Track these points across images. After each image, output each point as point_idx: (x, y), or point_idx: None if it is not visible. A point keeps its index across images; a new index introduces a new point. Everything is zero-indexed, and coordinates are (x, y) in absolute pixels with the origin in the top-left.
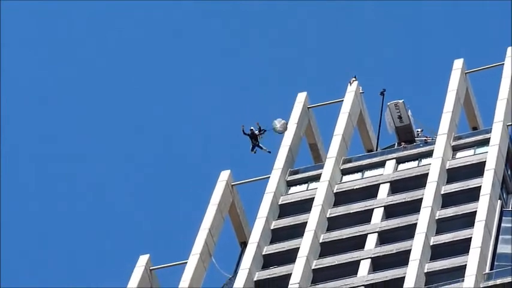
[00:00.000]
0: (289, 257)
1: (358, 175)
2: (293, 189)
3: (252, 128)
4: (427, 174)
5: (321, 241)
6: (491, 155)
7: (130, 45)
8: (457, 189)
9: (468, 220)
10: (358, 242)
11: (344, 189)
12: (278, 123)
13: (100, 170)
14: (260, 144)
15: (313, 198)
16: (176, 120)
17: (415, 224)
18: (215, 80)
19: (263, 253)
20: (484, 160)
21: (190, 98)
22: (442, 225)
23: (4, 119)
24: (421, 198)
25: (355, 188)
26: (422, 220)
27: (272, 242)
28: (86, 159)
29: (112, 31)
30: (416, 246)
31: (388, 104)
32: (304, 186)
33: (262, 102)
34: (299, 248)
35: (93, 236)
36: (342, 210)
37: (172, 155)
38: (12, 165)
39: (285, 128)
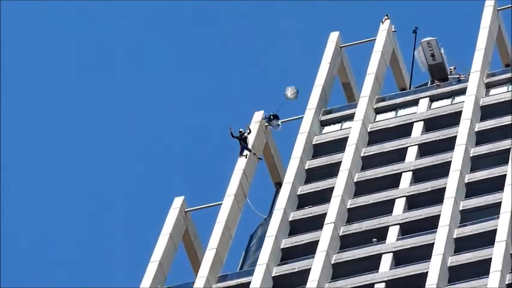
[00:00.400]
0: (324, 196)
1: (391, 114)
2: (327, 128)
3: (240, 130)
4: (461, 112)
5: (355, 180)
6: None
7: (131, 46)
8: (491, 127)
9: (503, 157)
10: (393, 181)
11: (378, 128)
12: (289, 92)
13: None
14: (249, 147)
15: (347, 137)
16: None
17: (449, 162)
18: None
19: (298, 193)
20: None
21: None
22: (476, 163)
23: (4, 118)
24: (455, 136)
25: (389, 126)
26: (457, 158)
27: (307, 182)
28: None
29: (113, 31)
30: (451, 183)
31: (421, 42)
32: (337, 126)
33: (295, 42)
34: (334, 187)
35: (128, 179)
36: (375, 149)
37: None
38: (12, 165)
39: (296, 96)
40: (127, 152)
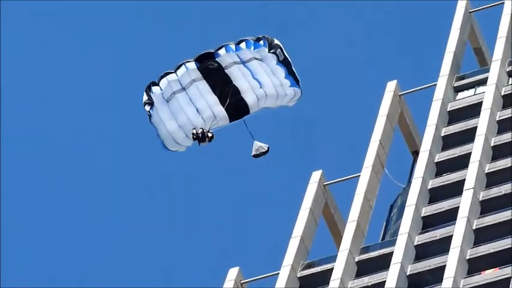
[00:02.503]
0: (462, 162)
1: None
2: (460, 94)
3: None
4: None
5: (492, 145)
6: None
7: (133, 46)
8: None
9: None
10: None
11: None
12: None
13: None
14: None
15: (481, 102)
16: None
17: None
18: None
19: (435, 160)
20: None
21: None
22: None
23: (4, 118)
24: None
25: None
26: None
27: (443, 149)
28: None
29: (113, 31)
30: None
31: None
32: (471, 91)
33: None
34: (471, 153)
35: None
36: (511, 112)
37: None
38: (12, 165)
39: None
40: None
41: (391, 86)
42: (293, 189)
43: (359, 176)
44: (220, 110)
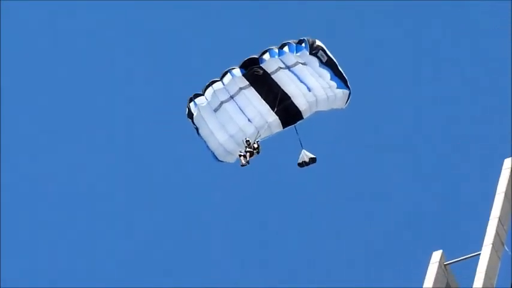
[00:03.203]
0: None
1: None
2: None
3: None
4: None
5: None
6: None
7: (132, 46)
8: None
9: None
10: None
11: None
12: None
13: None
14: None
15: None
16: None
17: None
18: None
19: None
20: None
21: None
22: None
23: (4, 119)
24: None
25: None
26: None
27: None
28: None
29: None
30: None
31: None
32: None
33: None
34: None
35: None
36: None
37: None
38: (13, 164)
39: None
40: None
41: (508, 163)
42: (412, 270)
43: (479, 254)
44: (272, 117)
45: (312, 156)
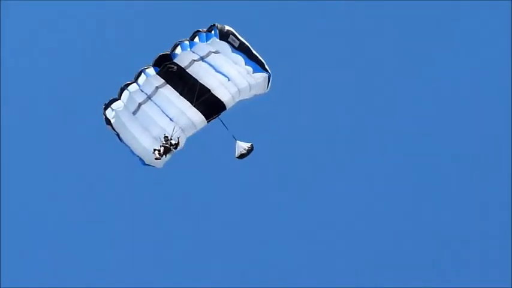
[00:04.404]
0: None
1: None
2: None
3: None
4: None
5: None
6: None
7: (133, 46)
8: None
9: None
10: None
11: None
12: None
13: None
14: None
15: None
16: None
17: None
18: None
19: None
20: None
21: None
22: None
23: (4, 120)
24: None
25: None
26: None
27: None
28: None
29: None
30: None
31: None
32: None
33: None
34: None
35: None
36: None
37: None
38: (12, 165)
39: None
40: None
41: None
42: None
43: None
44: (195, 113)
45: (249, 144)
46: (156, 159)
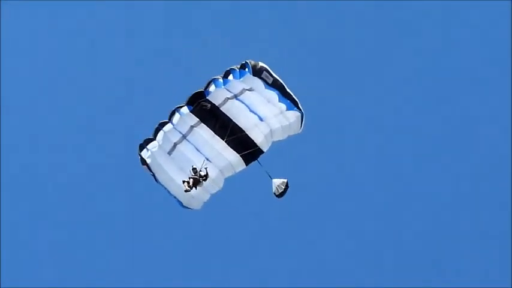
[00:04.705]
0: None
1: None
2: None
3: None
4: None
5: None
6: None
7: (133, 46)
8: None
9: None
10: None
11: None
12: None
13: None
14: None
15: None
16: None
17: None
18: None
19: None
20: None
21: None
22: None
23: (4, 121)
24: None
25: None
26: None
27: None
28: None
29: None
30: None
31: None
32: None
33: None
34: None
35: None
36: None
37: None
38: (13, 165)
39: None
40: None
41: None
42: None
43: None
44: (232, 154)
45: (284, 181)
46: (186, 191)
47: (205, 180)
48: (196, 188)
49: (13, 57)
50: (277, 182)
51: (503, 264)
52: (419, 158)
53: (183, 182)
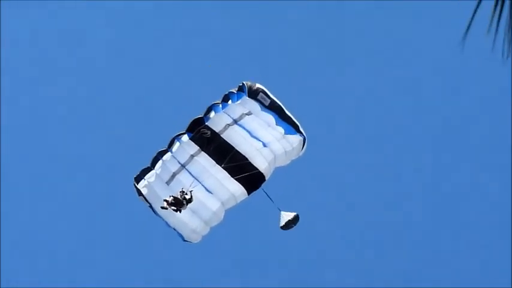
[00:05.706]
0: None
1: None
2: None
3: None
4: None
5: None
6: None
7: (132, 46)
8: None
9: None
10: None
11: None
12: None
13: None
14: None
15: None
16: None
17: None
18: None
19: None
20: None
21: None
22: None
23: (4, 121)
24: None
25: None
26: None
27: None
28: None
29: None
30: None
31: None
32: None
33: None
34: None
35: None
36: None
37: None
38: (12, 165)
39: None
40: None
41: None
42: None
43: None
44: (235, 185)
45: (294, 214)
46: (162, 207)
47: (187, 204)
48: (175, 207)
49: (13, 57)
50: (286, 214)
51: (504, 264)
52: (419, 157)
53: (164, 200)
